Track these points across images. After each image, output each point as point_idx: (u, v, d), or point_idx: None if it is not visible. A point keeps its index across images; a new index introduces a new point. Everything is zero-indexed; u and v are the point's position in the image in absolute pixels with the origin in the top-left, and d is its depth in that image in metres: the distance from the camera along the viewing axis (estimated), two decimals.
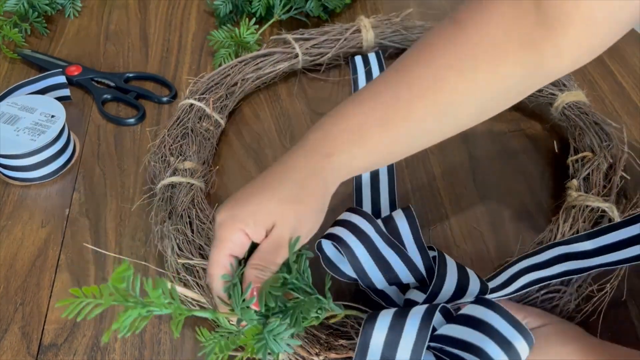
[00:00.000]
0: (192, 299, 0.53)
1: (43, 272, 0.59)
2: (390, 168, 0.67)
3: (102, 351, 0.53)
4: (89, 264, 0.59)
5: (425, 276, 0.50)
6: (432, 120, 0.47)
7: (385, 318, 0.46)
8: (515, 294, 0.52)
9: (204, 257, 0.55)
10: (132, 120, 0.73)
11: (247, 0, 0.86)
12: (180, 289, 0.53)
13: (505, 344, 0.43)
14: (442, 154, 0.70)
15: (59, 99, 0.72)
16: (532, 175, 0.67)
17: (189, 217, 0.58)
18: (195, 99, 0.70)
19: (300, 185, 0.46)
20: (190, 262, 0.54)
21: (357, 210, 0.53)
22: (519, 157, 0.69)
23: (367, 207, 0.63)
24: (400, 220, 0.53)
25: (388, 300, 0.52)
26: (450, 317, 0.47)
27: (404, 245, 0.52)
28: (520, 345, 0.43)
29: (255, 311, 0.44)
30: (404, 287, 0.51)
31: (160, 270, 0.58)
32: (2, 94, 0.72)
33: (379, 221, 0.53)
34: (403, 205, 0.64)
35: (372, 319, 0.46)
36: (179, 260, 0.55)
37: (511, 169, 0.68)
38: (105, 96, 0.76)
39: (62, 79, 0.74)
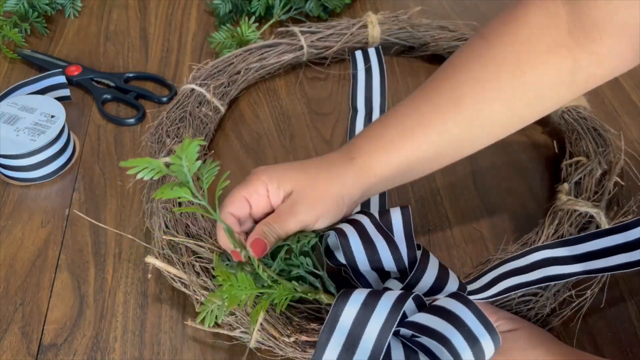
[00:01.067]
0: (174, 275, 0.54)
1: (43, 272, 0.59)
2: None
3: (102, 351, 0.53)
4: (89, 264, 0.59)
5: (407, 268, 0.50)
6: (457, 131, 0.49)
7: (359, 295, 0.46)
8: (494, 299, 0.52)
9: (189, 235, 0.56)
10: (132, 120, 0.73)
11: (246, 0, 0.86)
12: (163, 265, 0.54)
13: (471, 339, 0.44)
14: None
15: (59, 99, 0.72)
16: (533, 175, 0.68)
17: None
18: (196, 84, 0.71)
19: (324, 171, 0.51)
20: (175, 239, 0.55)
21: (361, 210, 0.54)
22: (519, 157, 0.69)
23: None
24: (396, 215, 0.53)
25: (367, 286, 0.52)
26: (423, 307, 0.48)
27: (392, 233, 0.52)
28: (487, 343, 0.44)
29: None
30: (384, 276, 0.52)
31: (147, 245, 0.58)
32: (2, 94, 0.72)
33: (375, 212, 0.54)
34: (399, 204, 0.64)
35: (346, 294, 0.46)
36: (163, 237, 0.55)
37: (511, 169, 0.68)
38: (105, 96, 0.76)
39: (62, 79, 0.74)
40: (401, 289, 0.49)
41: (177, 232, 0.56)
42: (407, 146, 0.50)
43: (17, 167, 0.65)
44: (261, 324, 0.50)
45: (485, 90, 0.48)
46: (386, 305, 0.45)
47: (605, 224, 0.57)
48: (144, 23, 0.88)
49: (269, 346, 0.50)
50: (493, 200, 0.65)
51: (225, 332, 0.51)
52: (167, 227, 0.57)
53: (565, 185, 0.61)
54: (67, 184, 0.67)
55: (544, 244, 0.55)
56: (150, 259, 0.54)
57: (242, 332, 0.51)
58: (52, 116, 0.67)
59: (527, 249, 0.55)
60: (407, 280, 0.49)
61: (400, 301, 0.45)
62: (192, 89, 0.70)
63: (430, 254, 0.51)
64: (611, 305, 0.56)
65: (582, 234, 0.55)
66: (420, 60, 0.82)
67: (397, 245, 0.50)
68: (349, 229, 0.50)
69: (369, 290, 0.47)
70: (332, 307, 0.46)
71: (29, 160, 0.64)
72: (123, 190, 0.65)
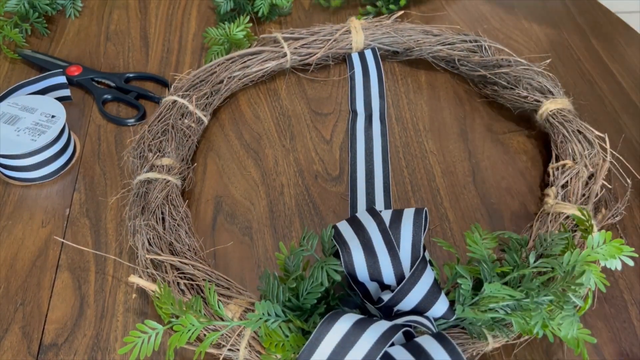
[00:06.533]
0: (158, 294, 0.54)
1: (43, 272, 0.59)
2: (385, 167, 0.67)
3: (103, 351, 0.53)
4: (89, 263, 0.59)
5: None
6: None
7: (345, 323, 0.44)
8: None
9: (173, 253, 0.55)
10: (132, 121, 0.73)
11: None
12: (145, 283, 0.54)
13: None
14: (442, 154, 0.70)
15: (60, 99, 0.73)
16: (532, 175, 0.68)
17: (162, 213, 0.58)
18: (178, 95, 0.69)
19: None
20: (159, 257, 0.54)
21: (372, 210, 0.52)
22: (519, 157, 0.70)
23: (361, 204, 0.64)
24: (407, 221, 0.51)
25: (365, 293, 0.50)
26: (410, 337, 0.46)
27: (399, 242, 0.50)
28: None
29: None
30: (384, 286, 0.50)
31: (131, 265, 0.58)
32: (2, 94, 0.72)
33: (388, 212, 0.51)
34: (400, 203, 0.64)
35: (333, 318, 0.45)
36: (147, 256, 0.55)
37: (511, 169, 0.68)
38: (105, 96, 0.76)
39: (62, 79, 0.74)
40: (387, 301, 0.47)
41: (161, 250, 0.55)
42: None
43: (18, 167, 0.65)
44: (249, 343, 0.49)
45: None
46: (370, 339, 0.43)
47: (593, 226, 0.56)
48: (144, 23, 0.89)
49: None
50: (493, 200, 0.65)
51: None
52: (150, 244, 0.56)
53: (553, 189, 0.61)
54: (68, 184, 0.67)
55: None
56: (134, 279, 0.54)
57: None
58: (53, 116, 0.67)
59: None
60: (391, 296, 0.47)
61: (386, 336, 0.44)
62: (174, 101, 0.69)
63: (429, 268, 0.48)
64: (611, 305, 0.56)
65: None
66: (417, 63, 0.82)
67: (400, 260, 0.49)
68: (353, 242, 0.49)
69: (357, 317, 0.45)
70: (315, 330, 0.44)
71: (29, 160, 0.65)
72: (123, 190, 0.66)
